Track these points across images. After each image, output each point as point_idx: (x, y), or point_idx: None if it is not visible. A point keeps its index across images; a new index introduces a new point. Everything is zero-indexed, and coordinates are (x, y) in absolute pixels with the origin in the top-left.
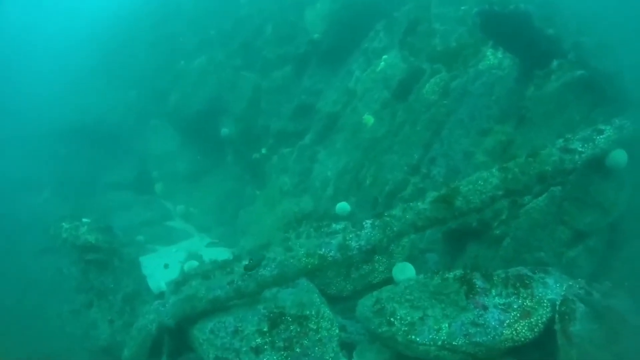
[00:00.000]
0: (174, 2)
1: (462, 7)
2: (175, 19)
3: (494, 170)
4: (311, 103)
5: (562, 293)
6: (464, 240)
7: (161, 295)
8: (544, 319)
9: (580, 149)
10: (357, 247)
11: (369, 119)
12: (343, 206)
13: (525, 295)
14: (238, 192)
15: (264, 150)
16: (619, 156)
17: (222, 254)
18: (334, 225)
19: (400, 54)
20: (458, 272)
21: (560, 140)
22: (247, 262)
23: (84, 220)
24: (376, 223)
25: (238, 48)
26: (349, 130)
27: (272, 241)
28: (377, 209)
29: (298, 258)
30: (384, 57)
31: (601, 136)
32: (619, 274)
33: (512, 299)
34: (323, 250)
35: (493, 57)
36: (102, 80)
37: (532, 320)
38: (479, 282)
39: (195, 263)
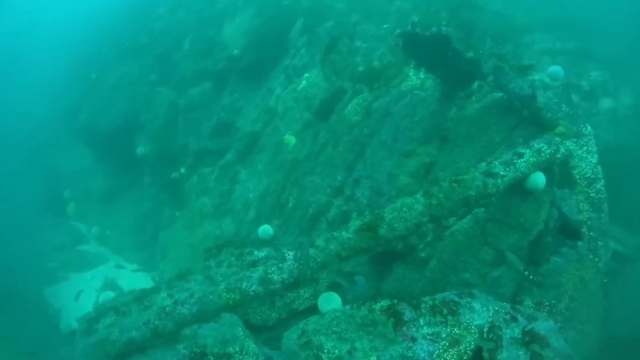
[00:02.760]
0: (88, 9)
1: (384, 26)
2: (89, 28)
3: (418, 196)
4: (231, 121)
5: (489, 318)
6: (391, 262)
7: (71, 336)
8: (472, 345)
9: (502, 173)
10: (280, 280)
11: (290, 139)
12: (266, 229)
13: (453, 322)
14: (156, 213)
15: (182, 170)
16: (538, 179)
17: (142, 279)
18: (256, 252)
19: (322, 73)
20: (385, 302)
21: (483, 164)
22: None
23: None
24: (299, 255)
25: (154, 62)
26: (270, 150)
27: (193, 268)
28: (301, 234)
29: (218, 294)
30: (306, 75)
31: (521, 160)
32: (540, 289)
33: (440, 327)
34: (244, 284)
35: (415, 77)
36: (7, 91)
37: (460, 348)
38: (406, 313)
39: (111, 294)
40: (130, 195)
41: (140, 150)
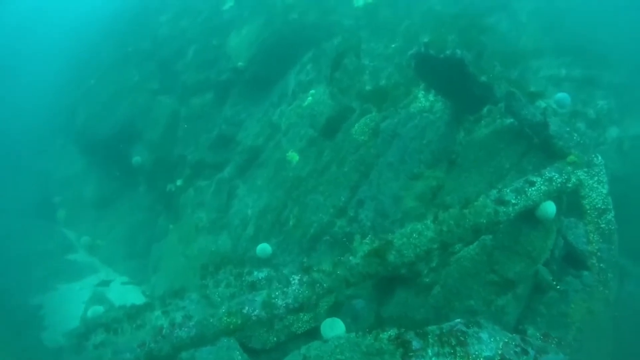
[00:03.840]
0: (90, 11)
1: (393, 45)
2: (90, 30)
3: (428, 222)
4: (232, 134)
5: (499, 350)
6: (393, 286)
7: (58, 352)
8: None
9: (513, 201)
10: (284, 305)
11: (293, 155)
12: (264, 247)
13: (462, 354)
14: (149, 225)
15: (179, 182)
16: (549, 208)
17: (133, 292)
18: (255, 272)
19: (329, 90)
20: (392, 331)
21: (494, 192)
22: None
23: None
24: (304, 279)
25: (155, 69)
26: (271, 166)
27: (187, 285)
28: (301, 254)
29: (219, 317)
30: (312, 91)
31: (532, 188)
32: (543, 318)
33: (449, 359)
34: (247, 308)
35: (425, 99)
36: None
37: None
38: (414, 342)
39: (100, 309)
40: (123, 205)
41: (136, 159)
